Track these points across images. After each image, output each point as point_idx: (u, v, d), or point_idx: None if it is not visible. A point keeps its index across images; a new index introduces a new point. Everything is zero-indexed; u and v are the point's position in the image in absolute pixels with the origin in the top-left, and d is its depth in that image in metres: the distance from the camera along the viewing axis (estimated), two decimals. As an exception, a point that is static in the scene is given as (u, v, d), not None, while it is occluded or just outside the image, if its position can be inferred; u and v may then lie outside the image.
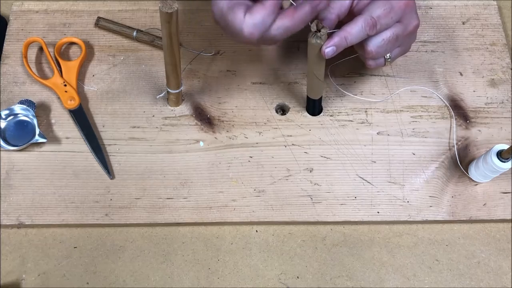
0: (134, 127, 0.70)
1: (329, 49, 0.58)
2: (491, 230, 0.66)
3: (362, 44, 0.61)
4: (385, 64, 0.64)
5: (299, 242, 0.65)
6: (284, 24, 0.56)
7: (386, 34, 0.60)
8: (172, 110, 0.71)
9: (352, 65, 0.74)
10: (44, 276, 0.62)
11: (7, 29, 0.76)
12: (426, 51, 0.76)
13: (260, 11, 0.55)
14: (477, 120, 0.71)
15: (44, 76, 0.73)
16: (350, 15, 0.61)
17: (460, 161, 0.68)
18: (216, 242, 0.65)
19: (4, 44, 0.75)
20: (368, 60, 0.63)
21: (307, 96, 0.68)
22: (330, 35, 0.58)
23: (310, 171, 0.67)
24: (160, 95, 0.71)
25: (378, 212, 0.65)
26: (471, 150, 0.69)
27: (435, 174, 0.68)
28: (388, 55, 0.63)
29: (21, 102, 0.69)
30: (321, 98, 0.68)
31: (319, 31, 0.56)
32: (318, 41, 0.57)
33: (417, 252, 0.65)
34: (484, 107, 0.72)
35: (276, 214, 0.65)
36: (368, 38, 0.60)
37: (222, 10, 0.56)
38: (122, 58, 0.74)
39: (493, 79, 0.74)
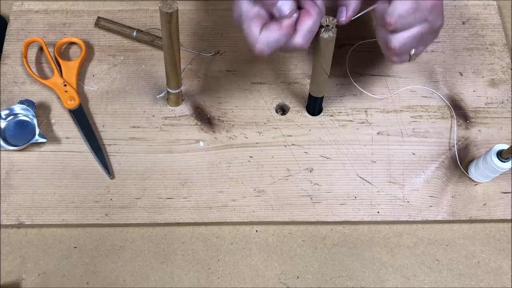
0: (134, 127, 0.70)
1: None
2: (491, 230, 0.66)
3: (386, 40, 0.60)
4: (409, 60, 0.62)
5: (299, 242, 0.65)
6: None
7: (412, 32, 0.59)
8: (172, 110, 0.71)
9: (352, 65, 0.74)
10: (44, 276, 0.62)
11: (7, 29, 0.76)
12: (426, 51, 0.76)
13: (276, 31, 0.56)
14: (477, 120, 0.71)
15: (44, 76, 0.73)
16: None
17: (460, 161, 0.68)
18: (216, 242, 0.65)
19: (4, 44, 0.75)
20: (392, 57, 0.62)
21: (309, 95, 0.68)
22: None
23: (310, 171, 0.67)
24: (160, 95, 0.71)
25: (378, 212, 0.65)
26: (471, 150, 0.69)
27: (435, 174, 0.68)
28: (412, 51, 0.61)
29: (21, 102, 0.69)
30: (322, 97, 0.68)
31: (328, 25, 0.56)
32: (330, 34, 0.57)
33: (417, 252, 0.65)
34: (484, 107, 0.72)
35: (276, 214, 0.65)
36: (392, 34, 0.59)
37: (240, 16, 0.57)
38: (122, 58, 0.74)
39: (493, 79, 0.74)
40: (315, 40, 0.58)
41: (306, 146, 0.69)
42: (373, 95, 0.72)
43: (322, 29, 0.57)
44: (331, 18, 0.56)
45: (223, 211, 0.65)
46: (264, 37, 0.56)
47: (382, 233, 0.66)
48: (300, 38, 0.56)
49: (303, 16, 0.56)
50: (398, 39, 0.59)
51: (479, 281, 0.63)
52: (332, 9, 0.61)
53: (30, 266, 0.63)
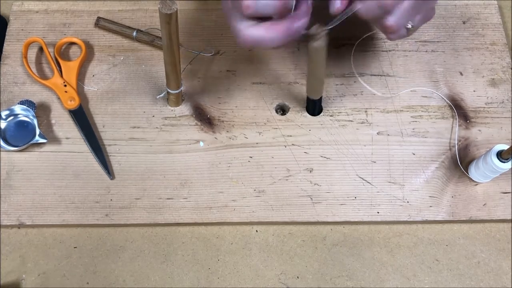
0: (134, 127, 0.70)
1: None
2: (491, 230, 0.66)
3: (380, 21, 0.57)
4: (407, 34, 0.60)
5: (299, 242, 0.65)
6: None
7: (403, 5, 0.56)
8: (172, 110, 0.71)
9: (352, 65, 0.74)
10: (44, 276, 0.62)
11: (7, 29, 0.76)
12: (426, 51, 0.76)
13: (266, 30, 0.54)
14: (477, 120, 0.71)
15: (44, 76, 0.73)
16: None
17: (460, 161, 0.68)
18: (216, 242, 0.65)
19: (4, 44, 0.75)
20: (389, 35, 0.59)
21: (307, 96, 0.68)
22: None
23: (310, 171, 0.67)
24: (160, 95, 0.71)
25: (378, 212, 0.65)
26: (471, 150, 0.69)
27: (435, 174, 0.68)
28: (409, 24, 0.59)
29: (21, 103, 0.69)
30: (321, 98, 0.68)
31: (315, 34, 0.56)
32: (320, 43, 0.57)
33: (417, 252, 0.65)
34: (484, 107, 0.72)
35: (276, 214, 0.65)
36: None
37: (228, 9, 0.56)
38: (122, 58, 0.74)
39: (493, 79, 0.74)
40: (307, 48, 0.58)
41: (306, 146, 0.69)
42: (376, 92, 0.72)
43: (311, 38, 0.56)
44: (321, 28, 0.55)
45: (223, 211, 0.65)
46: (251, 32, 0.55)
47: (382, 233, 0.66)
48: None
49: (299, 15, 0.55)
50: (393, 17, 0.56)
51: (479, 281, 0.63)
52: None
53: (30, 266, 0.63)
